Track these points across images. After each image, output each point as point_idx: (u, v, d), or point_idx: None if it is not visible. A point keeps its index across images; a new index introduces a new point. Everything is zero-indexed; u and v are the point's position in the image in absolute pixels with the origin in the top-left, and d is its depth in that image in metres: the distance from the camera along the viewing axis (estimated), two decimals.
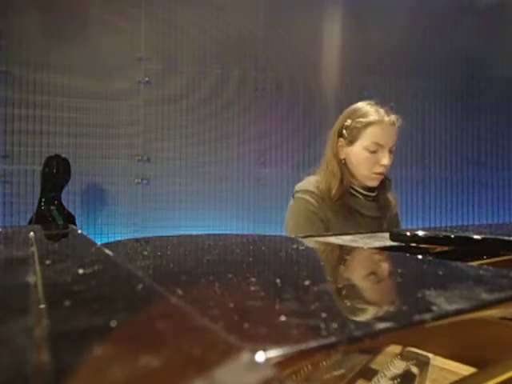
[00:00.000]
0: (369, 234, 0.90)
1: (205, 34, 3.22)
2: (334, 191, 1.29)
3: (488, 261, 0.63)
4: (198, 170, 3.21)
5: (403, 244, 0.74)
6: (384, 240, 0.78)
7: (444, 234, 0.74)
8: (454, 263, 0.48)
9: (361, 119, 1.29)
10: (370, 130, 1.28)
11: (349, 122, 1.31)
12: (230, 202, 3.24)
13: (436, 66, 3.59)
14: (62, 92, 2.97)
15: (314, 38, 3.42)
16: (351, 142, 1.31)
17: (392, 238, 0.75)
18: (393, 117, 1.31)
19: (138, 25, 3.11)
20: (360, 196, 1.34)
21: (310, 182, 1.34)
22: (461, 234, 0.74)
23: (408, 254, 0.61)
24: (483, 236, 0.69)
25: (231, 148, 3.26)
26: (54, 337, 0.21)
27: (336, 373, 0.28)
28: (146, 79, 3.12)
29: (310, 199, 1.29)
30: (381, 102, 1.36)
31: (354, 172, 1.32)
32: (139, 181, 3.12)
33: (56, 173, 2.80)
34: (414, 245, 0.74)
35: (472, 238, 0.69)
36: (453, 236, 0.72)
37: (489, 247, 0.68)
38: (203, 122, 3.22)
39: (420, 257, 0.54)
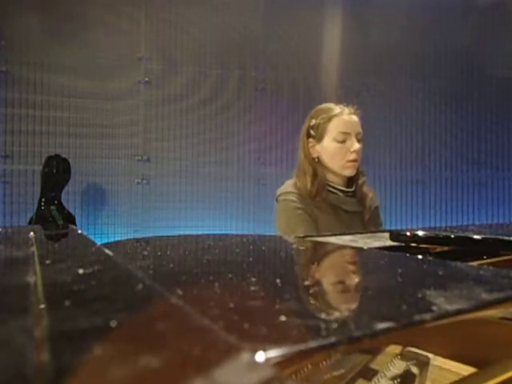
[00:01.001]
0: (369, 234, 0.90)
1: (205, 34, 3.22)
2: (309, 187, 1.35)
3: (488, 261, 0.63)
4: (197, 170, 3.21)
5: (403, 244, 0.74)
6: (384, 240, 0.78)
7: (444, 233, 0.74)
8: (453, 263, 0.48)
9: (323, 115, 1.39)
10: (333, 122, 1.37)
11: (313, 121, 1.41)
12: (230, 201, 3.24)
13: (436, 66, 3.59)
14: (61, 92, 2.97)
15: (313, 38, 3.41)
16: (320, 139, 1.39)
17: (392, 238, 0.75)
18: (351, 108, 1.41)
19: (138, 25, 3.11)
20: (339, 192, 1.40)
21: (288, 185, 1.41)
22: (461, 234, 0.74)
23: (408, 254, 0.61)
24: (483, 236, 0.69)
25: (231, 148, 3.26)
26: (54, 337, 0.21)
27: (336, 373, 0.28)
28: (146, 79, 3.12)
29: (294, 198, 1.35)
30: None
31: (330, 166, 1.39)
32: (139, 181, 3.12)
33: (56, 173, 2.80)
34: (414, 245, 0.74)
35: (472, 238, 0.69)
36: (453, 236, 0.72)
37: (489, 247, 0.68)
38: (203, 122, 3.22)
39: (420, 257, 0.54)
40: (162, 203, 3.13)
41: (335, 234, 0.90)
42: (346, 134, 1.36)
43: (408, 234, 0.75)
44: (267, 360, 0.21)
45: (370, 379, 0.31)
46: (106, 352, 0.20)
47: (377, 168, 3.40)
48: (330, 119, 1.38)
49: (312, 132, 1.41)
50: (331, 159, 1.38)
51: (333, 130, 1.37)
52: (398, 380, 0.32)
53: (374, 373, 0.31)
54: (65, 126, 2.99)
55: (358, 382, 0.30)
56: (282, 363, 0.21)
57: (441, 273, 0.43)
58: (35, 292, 0.29)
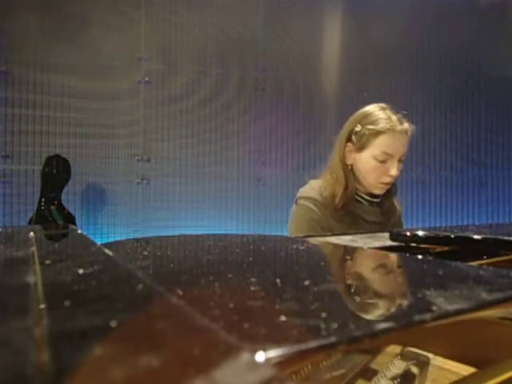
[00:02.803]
0: (369, 234, 0.90)
1: (205, 34, 3.22)
2: (337, 199, 1.25)
3: (488, 261, 0.63)
4: (197, 170, 3.21)
5: (403, 244, 0.74)
6: (384, 240, 0.78)
7: (444, 233, 0.74)
8: (453, 263, 0.48)
9: (371, 126, 1.23)
10: (380, 139, 1.23)
11: (359, 127, 1.25)
12: (230, 202, 3.24)
13: (436, 66, 3.59)
14: (61, 92, 2.97)
15: (313, 38, 3.42)
16: (360, 149, 1.26)
17: (392, 238, 0.75)
18: (406, 125, 1.27)
19: (138, 25, 3.11)
20: (364, 202, 1.31)
21: (313, 189, 1.30)
22: (461, 234, 0.74)
23: (408, 254, 0.61)
24: (483, 236, 0.69)
25: (231, 148, 3.26)
26: (54, 337, 0.21)
27: (336, 373, 0.28)
28: (146, 79, 3.12)
29: (313, 207, 1.25)
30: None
31: (361, 179, 1.28)
32: (139, 181, 3.12)
33: (56, 173, 2.80)
34: (414, 245, 0.74)
35: (472, 238, 0.69)
36: (453, 236, 0.72)
37: (489, 247, 0.68)
38: (203, 122, 3.22)
39: (420, 257, 0.54)
40: (161, 203, 3.13)
41: (335, 234, 0.90)
42: (389, 155, 1.23)
43: (408, 233, 0.75)
44: (267, 360, 0.21)
45: (369, 379, 0.31)
46: (106, 352, 0.20)
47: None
48: (377, 134, 1.22)
49: (354, 138, 1.26)
50: (364, 174, 1.26)
51: (377, 146, 1.22)
52: (398, 380, 0.32)
53: (374, 373, 0.31)
54: (65, 125, 2.99)
55: (358, 382, 0.30)
56: (281, 363, 0.21)
57: (441, 273, 0.43)
58: (35, 292, 0.29)
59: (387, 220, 1.34)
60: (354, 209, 1.28)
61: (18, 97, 2.91)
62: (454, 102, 3.62)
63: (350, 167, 1.28)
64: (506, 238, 0.67)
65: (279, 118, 3.32)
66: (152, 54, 3.13)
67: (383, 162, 1.23)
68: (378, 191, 1.29)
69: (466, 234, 0.74)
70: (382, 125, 1.22)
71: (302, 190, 1.33)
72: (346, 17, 3.46)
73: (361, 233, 0.95)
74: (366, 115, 1.26)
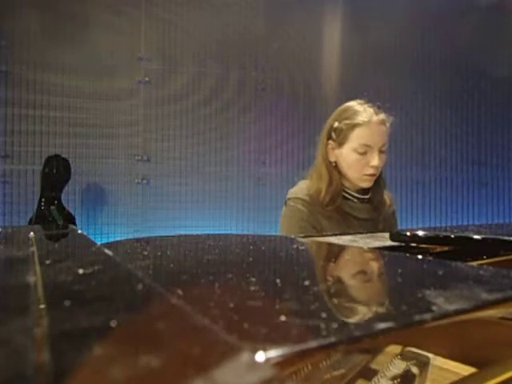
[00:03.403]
0: (369, 234, 0.90)
1: (205, 34, 3.22)
2: (322, 195, 1.27)
3: (488, 261, 0.63)
4: (198, 170, 3.21)
5: (403, 244, 0.74)
6: (384, 240, 0.78)
7: (444, 234, 0.74)
8: (453, 263, 0.48)
9: (347, 121, 1.27)
10: (357, 132, 1.26)
11: (337, 124, 1.30)
12: (230, 201, 3.24)
13: (436, 66, 3.59)
14: (62, 92, 2.97)
15: (313, 38, 3.42)
16: (340, 145, 1.29)
17: (392, 238, 0.75)
18: (381, 116, 1.28)
19: (138, 25, 3.11)
20: (353, 199, 1.32)
21: (301, 189, 1.33)
22: (461, 234, 0.74)
23: (408, 254, 0.61)
24: (483, 236, 0.69)
25: (231, 148, 3.26)
26: (54, 337, 0.21)
27: (336, 373, 0.28)
28: (146, 79, 3.12)
29: (302, 207, 1.28)
30: (375, 100, 1.33)
31: (346, 174, 1.31)
32: (139, 181, 3.12)
33: (56, 173, 2.80)
34: (414, 245, 0.74)
35: (472, 238, 0.69)
36: (453, 236, 0.72)
37: (489, 247, 0.68)
38: (203, 122, 3.22)
39: (420, 257, 0.54)
40: (162, 203, 3.13)
41: (335, 234, 0.90)
42: (368, 146, 1.26)
43: (408, 233, 0.75)
44: (267, 360, 0.21)
45: (370, 379, 0.31)
46: (106, 352, 0.20)
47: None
48: (353, 127, 1.26)
49: (333, 135, 1.31)
50: (347, 168, 1.29)
51: (355, 139, 1.26)
52: (398, 380, 0.32)
53: (374, 373, 0.31)
54: (65, 125, 2.99)
55: (357, 382, 0.30)
56: (282, 363, 0.21)
57: (441, 273, 0.43)
58: (35, 292, 0.29)
59: (378, 216, 1.35)
60: (342, 206, 1.30)
61: (18, 97, 2.91)
62: (454, 102, 3.62)
63: (333, 164, 1.32)
64: (506, 237, 0.67)
65: (279, 117, 3.32)
66: (152, 54, 3.13)
67: (363, 154, 1.26)
68: (365, 184, 1.31)
69: (466, 234, 0.74)
70: (357, 118, 1.26)
71: (291, 190, 1.36)
72: (345, 17, 3.46)
73: (361, 233, 0.95)
74: (343, 111, 1.31)
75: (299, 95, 3.36)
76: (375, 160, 1.26)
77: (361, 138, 1.26)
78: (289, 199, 1.33)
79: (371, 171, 1.27)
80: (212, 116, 3.23)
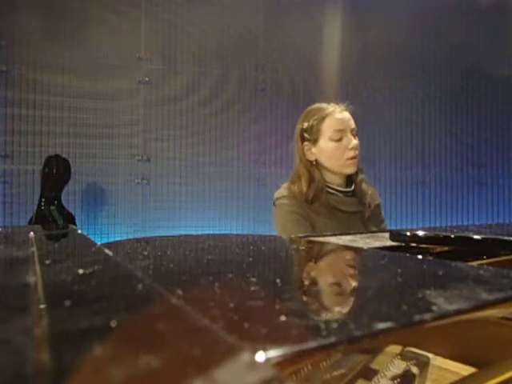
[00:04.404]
0: (369, 234, 0.90)
1: (205, 34, 3.22)
2: (305, 190, 1.32)
3: (488, 261, 0.63)
4: (198, 170, 3.21)
5: (403, 244, 0.74)
6: (384, 240, 0.78)
7: (444, 234, 0.74)
8: (453, 263, 0.48)
9: (315, 116, 1.36)
10: (327, 122, 1.34)
11: (306, 124, 1.38)
12: (230, 201, 3.24)
13: (436, 66, 3.59)
14: (62, 92, 2.97)
15: (314, 38, 3.42)
16: (316, 141, 1.36)
17: (392, 238, 0.75)
18: (341, 105, 1.38)
19: (138, 25, 3.11)
20: (338, 193, 1.37)
21: (284, 188, 1.38)
22: (461, 234, 0.74)
23: (408, 254, 0.61)
24: (483, 236, 0.69)
25: (231, 148, 3.26)
26: (54, 337, 0.21)
27: (336, 373, 0.28)
28: (146, 79, 3.12)
29: (289, 202, 1.34)
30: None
31: (329, 166, 1.36)
32: (139, 181, 3.12)
33: (56, 173, 2.80)
34: (414, 245, 0.74)
35: (472, 238, 0.69)
36: (453, 236, 0.72)
37: (489, 247, 0.68)
38: (203, 122, 3.22)
39: (420, 257, 0.54)
40: (162, 203, 3.13)
41: (335, 234, 0.90)
42: (342, 131, 1.33)
43: (408, 233, 0.75)
44: (267, 360, 0.21)
45: (370, 379, 0.31)
46: (106, 352, 0.20)
47: (376, 168, 3.40)
48: (322, 119, 1.35)
49: (306, 135, 1.37)
50: (330, 159, 1.35)
51: (327, 129, 1.34)
52: (398, 380, 0.32)
53: (374, 373, 0.31)
54: (65, 126, 2.99)
55: (358, 382, 0.30)
56: (282, 363, 0.21)
57: (441, 273, 0.43)
58: (35, 292, 0.29)
59: (364, 208, 1.39)
60: (328, 201, 1.34)
61: (18, 97, 2.91)
62: (453, 102, 3.62)
63: (313, 163, 1.37)
64: (506, 237, 0.67)
65: (279, 117, 3.32)
66: (152, 54, 3.13)
67: (339, 140, 1.34)
68: (350, 169, 1.36)
69: (466, 234, 0.74)
70: (323, 111, 1.37)
71: (275, 193, 1.42)
72: (346, 17, 3.46)
73: (361, 233, 0.95)
74: (308, 113, 1.41)
75: (299, 95, 3.36)
76: (352, 141, 1.33)
77: (333, 125, 1.34)
78: (276, 199, 1.39)
79: (352, 153, 1.33)
80: (212, 116, 3.23)
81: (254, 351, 0.21)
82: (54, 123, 2.97)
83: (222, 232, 3.10)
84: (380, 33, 3.43)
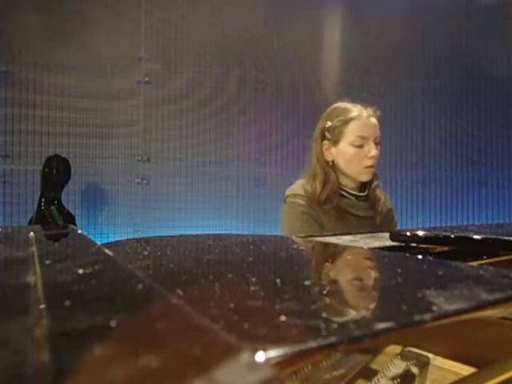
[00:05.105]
0: (369, 234, 0.90)
1: (205, 34, 3.22)
2: (318, 191, 1.30)
3: (488, 261, 0.63)
4: (198, 170, 3.21)
5: (403, 244, 0.74)
6: (384, 240, 0.78)
7: (444, 234, 0.74)
8: (453, 263, 0.48)
9: (340, 117, 1.31)
10: (351, 126, 1.30)
11: (329, 123, 1.33)
12: (230, 202, 3.24)
13: (436, 66, 3.59)
14: (62, 92, 2.97)
15: (314, 38, 3.42)
16: (336, 142, 1.32)
17: (392, 238, 0.75)
18: (369, 109, 1.34)
19: (138, 25, 3.11)
20: (350, 197, 1.34)
21: (298, 186, 1.35)
22: (461, 234, 0.74)
23: (408, 254, 0.61)
24: (483, 236, 0.69)
25: (231, 148, 3.26)
26: (54, 337, 0.21)
27: (336, 373, 0.28)
28: (146, 79, 3.12)
29: (302, 202, 1.30)
30: (353, 100, 1.38)
31: (345, 170, 1.33)
32: (139, 181, 3.12)
33: (56, 173, 2.80)
34: (414, 245, 0.74)
35: (472, 238, 0.69)
36: (453, 236, 0.72)
37: (489, 247, 0.68)
38: (203, 122, 3.22)
39: (420, 257, 0.54)
40: (161, 203, 3.13)
41: (335, 234, 0.90)
42: (364, 138, 1.30)
43: (408, 233, 0.75)
44: (267, 360, 0.21)
45: (369, 379, 0.31)
46: (106, 352, 0.20)
47: (377, 168, 3.40)
48: (347, 122, 1.30)
49: (327, 134, 1.33)
50: (347, 164, 1.31)
51: (350, 133, 1.30)
52: (398, 380, 0.32)
53: (374, 373, 0.31)
54: (65, 126, 2.99)
55: (357, 382, 0.30)
56: (282, 363, 0.21)
57: (441, 273, 0.43)
58: (35, 292, 0.29)
59: (376, 213, 1.37)
60: (340, 204, 1.32)
61: (18, 97, 2.91)
62: (454, 102, 3.62)
63: (330, 163, 1.34)
64: (506, 237, 0.67)
65: (279, 117, 3.32)
66: (152, 54, 3.14)
67: (360, 146, 1.30)
68: (365, 177, 1.33)
69: (466, 234, 0.74)
70: (349, 113, 1.32)
71: (288, 189, 1.38)
72: (346, 17, 3.46)
73: (361, 233, 0.95)
74: (333, 111, 1.36)
75: (299, 95, 3.36)
76: (373, 150, 1.30)
77: (356, 131, 1.30)
78: (287, 196, 1.35)
79: (370, 162, 1.31)
80: (212, 116, 3.23)
81: (254, 351, 0.21)
82: (54, 123, 2.97)
83: (222, 232, 3.10)
84: (380, 33, 3.43)
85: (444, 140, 3.62)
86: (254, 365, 0.19)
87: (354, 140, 1.29)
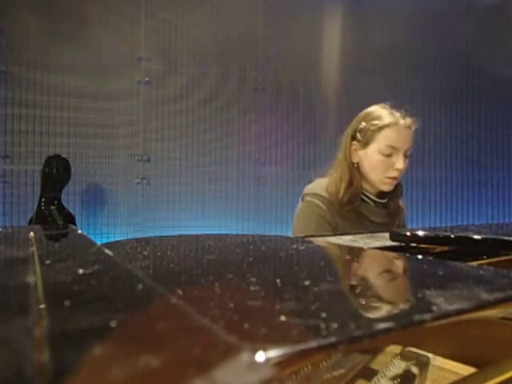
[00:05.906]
0: (369, 234, 0.90)
1: (205, 34, 3.22)
2: (341, 194, 1.26)
3: (488, 261, 0.63)
4: (198, 170, 3.21)
5: (403, 244, 0.74)
6: (384, 240, 0.78)
7: (444, 234, 0.74)
8: (453, 263, 0.48)
9: (375, 121, 1.27)
10: (384, 133, 1.25)
11: (363, 124, 1.29)
12: (230, 202, 3.24)
13: (436, 66, 3.59)
14: (61, 92, 2.97)
15: (313, 38, 3.42)
16: (365, 145, 1.28)
17: (392, 238, 0.75)
18: (408, 120, 1.29)
19: (138, 25, 3.11)
20: (370, 202, 1.31)
21: (319, 185, 1.31)
22: (461, 234, 0.74)
23: (408, 254, 0.61)
24: (483, 236, 0.69)
25: (231, 148, 3.26)
26: (54, 337, 0.21)
27: (336, 373, 0.28)
28: (146, 79, 3.12)
29: (319, 203, 1.26)
30: (397, 105, 1.34)
31: (368, 176, 1.29)
32: (139, 181, 3.12)
33: (56, 173, 2.80)
34: (414, 245, 0.74)
35: (472, 238, 0.69)
36: (453, 236, 0.72)
37: (489, 247, 0.68)
38: (203, 122, 3.22)
39: (420, 257, 0.54)
40: (162, 203, 3.13)
41: (336, 234, 0.90)
42: (395, 149, 1.25)
43: (408, 234, 0.75)
44: (267, 360, 0.21)
45: (369, 379, 0.31)
46: (106, 352, 0.20)
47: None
48: (381, 128, 1.25)
49: (359, 135, 1.29)
50: (371, 170, 1.28)
51: (381, 140, 1.25)
52: (398, 380, 0.32)
53: (374, 373, 0.31)
54: (65, 126, 2.99)
55: (357, 382, 0.30)
56: (282, 363, 0.21)
57: (441, 273, 0.43)
58: (35, 292, 0.29)
59: (392, 221, 1.34)
60: (359, 208, 1.29)
61: (18, 97, 2.91)
62: (454, 102, 3.62)
63: (355, 165, 1.30)
64: (506, 237, 0.67)
65: (279, 117, 3.32)
66: (152, 53, 3.14)
67: (388, 156, 1.25)
68: (386, 187, 1.29)
69: (466, 233, 0.74)
70: (385, 119, 1.26)
71: (308, 187, 1.34)
72: (346, 17, 3.46)
73: (361, 233, 0.95)
74: (370, 113, 1.30)
75: (299, 95, 3.36)
76: (400, 163, 1.25)
77: (388, 140, 1.25)
78: (306, 195, 1.31)
79: (394, 174, 1.26)
80: (212, 116, 3.23)
81: (254, 351, 0.21)
82: (54, 123, 2.97)
83: (222, 232, 3.10)
84: (380, 33, 3.43)
85: (444, 140, 3.62)
86: (254, 365, 0.19)
87: (384, 148, 1.25)
